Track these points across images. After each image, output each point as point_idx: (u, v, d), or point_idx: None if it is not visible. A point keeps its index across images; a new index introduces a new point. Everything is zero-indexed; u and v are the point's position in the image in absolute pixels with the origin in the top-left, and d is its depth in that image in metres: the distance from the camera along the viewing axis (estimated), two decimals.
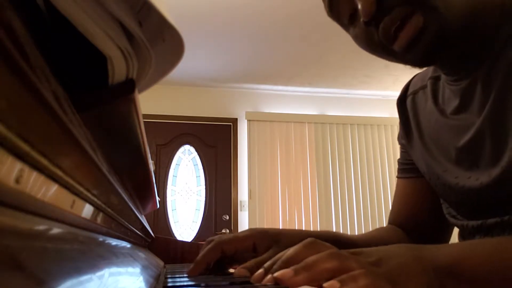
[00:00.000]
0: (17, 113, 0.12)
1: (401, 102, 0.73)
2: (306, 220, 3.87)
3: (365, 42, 0.53)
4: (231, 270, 0.50)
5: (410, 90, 0.71)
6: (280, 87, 4.07)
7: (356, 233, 3.90)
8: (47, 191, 0.16)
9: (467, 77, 0.53)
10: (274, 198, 3.86)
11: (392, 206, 0.78)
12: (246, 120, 3.99)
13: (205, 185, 3.86)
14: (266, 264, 0.39)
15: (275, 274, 0.34)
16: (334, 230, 3.88)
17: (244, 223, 3.80)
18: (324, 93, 4.20)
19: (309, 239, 0.38)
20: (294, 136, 4.03)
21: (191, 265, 0.51)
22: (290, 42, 3.17)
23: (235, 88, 4.06)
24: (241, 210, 3.83)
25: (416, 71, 0.63)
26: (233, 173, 3.89)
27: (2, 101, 0.11)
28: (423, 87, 0.67)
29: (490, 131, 0.50)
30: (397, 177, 0.77)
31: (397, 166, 0.78)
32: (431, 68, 0.66)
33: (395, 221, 0.76)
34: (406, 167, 0.74)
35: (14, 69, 0.12)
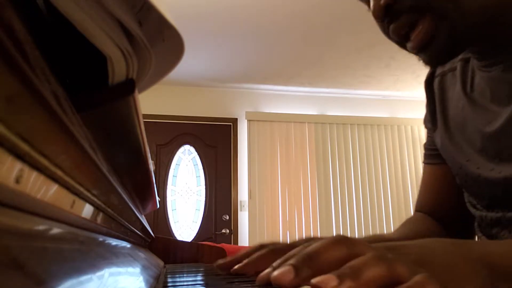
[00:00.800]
0: (17, 113, 0.12)
1: (429, 83, 0.71)
2: (306, 220, 3.87)
3: (383, 32, 0.54)
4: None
5: (439, 70, 0.69)
6: (280, 87, 4.07)
7: (356, 234, 3.91)
8: (47, 191, 0.16)
9: (499, 64, 0.52)
10: (274, 198, 3.86)
11: (419, 193, 0.76)
12: (246, 120, 3.99)
13: (205, 185, 3.86)
14: (293, 261, 0.29)
15: (314, 281, 0.26)
16: (334, 229, 3.88)
17: (244, 223, 3.80)
18: (324, 93, 4.20)
19: (338, 235, 0.30)
20: (294, 136, 4.03)
21: (229, 261, 0.43)
22: (290, 42, 3.17)
23: (235, 88, 4.06)
24: (241, 210, 3.83)
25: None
26: (233, 173, 3.89)
27: (2, 101, 0.11)
28: (453, 69, 0.65)
29: None
30: (424, 162, 0.75)
31: (423, 153, 0.76)
32: None
33: (423, 208, 0.74)
34: (433, 153, 0.72)
35: (14, 69, 0.12)
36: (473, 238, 0.66)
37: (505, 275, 0.32)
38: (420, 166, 4.16)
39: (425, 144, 0.75)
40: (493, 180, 0.53)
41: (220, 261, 0.43)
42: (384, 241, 0.51)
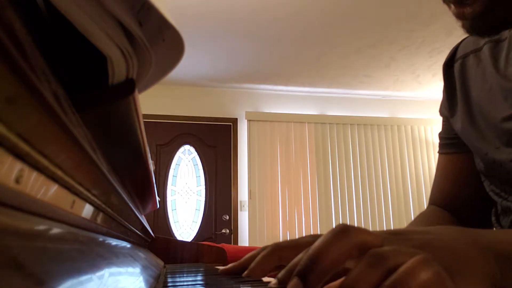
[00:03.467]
0: (17, 113, 0.12)
1: (448, 67, 0.68)
2: (306, 220, 3.87)
3: None
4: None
5: (459, 53, 0.66)
6: (280, 87, 4.07)
7: None
8: (47, 191, 0.16)
9: None
10: (274, 198, 3.86)
11: (433, 185, 0.73)
12: (246, 120, 3.99)
13: (205, 185, 3.86)
14: (297, 270, 0.28)
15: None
16: None
17: (244, 223, 3.80)
18: (324, 93, 4.20)
19: (339, 226, 0.29)
20: (294, 136, 4.04)
21: (232, 266, 0.42)
22: (290, 42, 3.17)
23: (235, 88, 4.06)
24: (241, 210, 3.83)
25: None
26: (233, 173, 3.89)
27: (2, 101, 0.11)
28: (476, 50, 0.62)
29: None
30: (439, 152, 0.72)
31: (438, 142, 0.73)
32: None
33: (437, 201, 0.71)
34: (448, 142, 0.69)
35: (14, 69, 0.12)
36: (490, 228, 0.63)
37: (509, 261, 0.31)
38: (420, 166, 4.18)
39: (439, 134, 0.72)
40: None
41: (224, 267, 0.42)
42: None
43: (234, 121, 4.01)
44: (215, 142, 3.94)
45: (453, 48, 0.68)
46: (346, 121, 4.16)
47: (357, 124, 4.19)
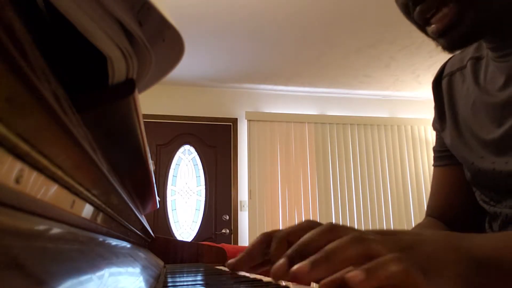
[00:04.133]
0: (17, 113, 0.12)
1: (436, 84, 0.71)
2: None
3: (405, 14, 0.54)
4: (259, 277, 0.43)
5: (447, 71, 0.69)
6: (280, 87, 4.07)
7: None
8: (47, 191, 0.16)
9: None
10: (274, 198, 3.86)
11: (430, 197, 0.76)
12: (246, 120, 3.99)
13: (205, 185, 3.86)
14: (288, 252, 0.32)
15: (291, 270, 0.29)
16: None
17: (244, 223, 3.80)
18: (324, 93, 4.20)
19: (329, 223, 0.33)
20: (294, 136, 4.04)
21: (240, 260, 0.43)
22: (290, 42, 3.17)
23: (235, 88, 4.06)
24: (241, 210, 3.83)
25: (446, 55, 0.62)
26: (233, 173, 3.89)
27: (2, 101, 0.11)
28: (461, 68, 0.65)
29: None
30: (433, 165, 0.75)
31: (433, 155, 0.76)
32: (471, 49, 0.65)
33: (433, 212, 0.74)
34: (442, 155, 0.72)
35: (14, 69, 0.12)
36: None
37: (486, 264, 0.34)
38: (420, 166, 4.18)
39: (434, 147, 0.75)
40: (509, 172, 0.53)
41: (230, 261, 0.44)
42: None
43: (234, 121, 4.01)
44: (215, 142, 3.94)
45: (441, 66, 0.72)
46: (346, 121, 4.16)
47: (357, 124, 4.19)
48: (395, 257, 0.28)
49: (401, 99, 4.27)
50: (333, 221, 3.29)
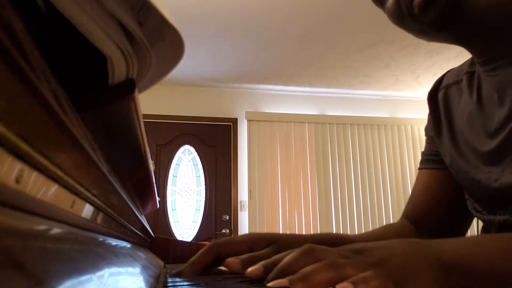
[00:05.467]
0: (17, 113, 0.12)
1: (433, 96, 0.73)
2: (306, 220, 3.87)
3: (395, 13, 0.55)
4: (223, 269, 0.49)
5: (443, 83, 0.71)
6: (280, 87, 4.07)
7: (357, 233, 3.89)
8: (47, 191, 0.16)
9: (505, 67, 0.53)
10: (274, 198, 3.86)
11: (410, 199, 0.76)
12: (246, 120, 3.99)
13: (205, 185, 3.86)
14: (265, 262, 0.38)
15: (270, 284, 0.33)
16: (334, 229, 3.88)
17: (244, 223, 3.80)
18: (324, 93, 4.20)
19: (306, 246, 0.37)
20: (294, 136, 4.04)
21: (185, 265, 0.50)
22: (290, 42, 3.17)
23: (235, 88, 4.06)
24: (241, 210, 3.83)
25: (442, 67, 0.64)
26: (233, 173, 3.89)
27: (2, 101, 0.11)
28: (458, 82, 0.67)
29: None
30: (419, 168, 0.76)
31: (420, 159, 0.77)
32: (467, 63, 0.66)
33: (411, 215, 0.74)
34: (431, 158, 0.72)
35: (14, 69, 0.12)
36: None
37: (454, 269, 0.36)
38: None
39: (423, 151, 0.76)
40: (504, 182, 0.53)
41: (176, 271, 0.50)
42: (344, 242, 0.55)
43: (234, 121, 4.01)
44: (215, 142, 3.94)
45: (438, 79, 0.73)
46: (346, 121, 4.16)
47: (357, 124, 4.19)
48: (374, 273, 0.32)
49: (401, 99, 4.27)
50: (333, 221, 3.29)
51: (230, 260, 0.44)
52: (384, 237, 0.69)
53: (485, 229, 0.62)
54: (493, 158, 0.56)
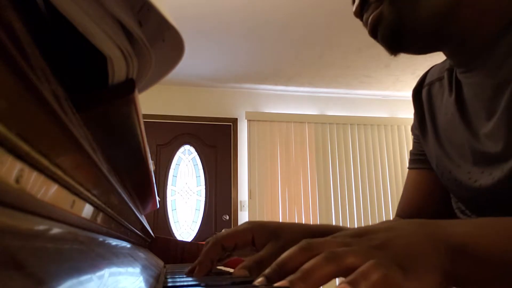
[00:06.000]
0: (17, 113, 0.12)
1: (417, 93, 0.73)
2: (306, 220, 3.87)
3: (382, 44, 0.56)
4: (230, 270, 0.50)
5: (427, 81, 0.70)
6: (280, 87, 4.07)
7: None
8: (47, 191, 0.16)
9: (478, 69, 0.53)
10: (274, 198, 3.86)
11: (401, 198, 0.77)
12: (246, 120, 3.99)
13: (205, 185, 3.86)
14: (268, 273, 0.35)
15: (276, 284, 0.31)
16: None
17: None
18: (324, 93, 4.20)
19: (303, 242, 0.35)
20: (294, 136, 4.03)
21: (192, 266, 0.51)
22: (290, 42, 3.17)
23: (235, 88, 4.06)
24: (241, 210, 3.83)
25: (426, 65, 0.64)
26: (233, 173, 3.89)
27: (2, 101, 0.11)
28: (440, 79, 0.66)
29: (507, 124, 0.49)
30: (409, 168, 0.76)
31: (408, 158, 0.77)
32: (448, 60, 0.66)
33: (403, 214, 0.75)
34: (419, 158, 0.73)
35: (14, 69, 0.12)
36: None
37: (460, 252, 0.34)
38: None
39: (411, 151, 0.77)
40: (484, 183, 0.53)
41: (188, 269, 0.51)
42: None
43: (234, 121, 4.01)
44: (215, 142, 3.94)
45: (422, 76, 0.73)
46: (346, 121, 4.16)
47: (357, 124, 4.19)
48: (374, 264, 0.29)
49: (401, 99, 4.27)
50: (333, 221, 3.31)
51: (237, 272, 0.44)
52: None
53: None
54: (474, 157, 0.56)
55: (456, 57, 0.56)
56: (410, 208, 0.74)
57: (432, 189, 0.71)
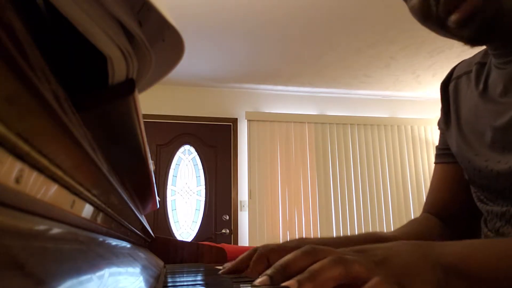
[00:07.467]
0: (17, 113, 0.12)
1: (444, 87, 0.75)
2: (306, 220, 3.87)
3: (421, 13, 0.55)
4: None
5: (455, 75, 0.72)
6: (280, 87, 4.07)
7: (357, 233, 3.90)
8: (47, 191, 0.16)
9: None
10: (274, 198, 3.86)
11: (428, 193, 0.79)
12: (246, 120, 3.99)
13: (205, 185, 3.86)
14: (270, 272, 0.36)
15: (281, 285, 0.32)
16: (334, 229, 3.88)
17: (244, 223, 3.80)
18: (324, 93, 4.20)
19: (308, 246, 0.36)
20: (294, 136, 4.03)
21: (230, 270, 0.48)
22: (290, 42, 3.17)
23: (235, 88, 4.06)
24: (241, 210, 3.83)
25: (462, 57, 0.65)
26: (233, 173, 3.89)
27: (2, 101, 0.11)
28: (468, 72, 0.68)
29: None
30: (435, 162, 0.78)
31: (434, 153, 0.79)
32: (479, 54, 0.67)
33: (431, 209, 0.76)
34: (444, 152, 0.75)
35: (14, 69, 0.12)
36: (479, 235, 0.68)
37: (455, 272, 0.36)
38: (420, 166, 4.17)
39: (437, 146, 0.78)
40: (500, 171, 0.55)
41: (225, 266, 0.50)
42: (378, 239, 0.54)
43: (234, 121, 4.01)
44: (215, 142, 3.94)
45: (451, 70, 0.75)
46: (346, 121, 4.16)
47: (357, 124, 4.19)
48: (379, 280, 0.31)
49: (401, 99, 4.27)
50: (333, 221, 3.31)
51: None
52: (411, 232, 0.70)
53: (485, 221, 0.63)
54: (493, 145, 0.57)
55: (501, 48, 0.57)
56: (437, 203, 0.75)
57: (458, 183, 0.72)
